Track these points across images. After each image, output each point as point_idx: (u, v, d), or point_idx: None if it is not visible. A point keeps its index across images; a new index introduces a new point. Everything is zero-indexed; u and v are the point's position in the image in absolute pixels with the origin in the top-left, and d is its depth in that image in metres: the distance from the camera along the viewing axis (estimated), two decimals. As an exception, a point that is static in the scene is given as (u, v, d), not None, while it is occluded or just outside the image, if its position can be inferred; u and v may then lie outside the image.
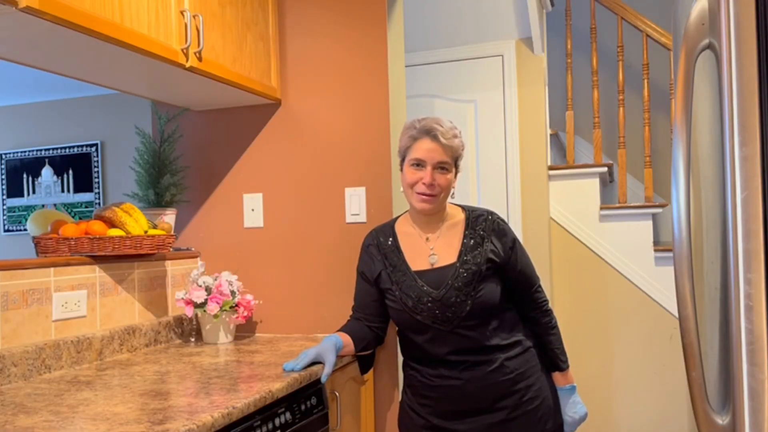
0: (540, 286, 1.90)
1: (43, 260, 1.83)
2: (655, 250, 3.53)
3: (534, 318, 1.88)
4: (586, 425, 2.05)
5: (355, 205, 2.28)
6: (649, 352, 3.50)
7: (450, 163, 1.79)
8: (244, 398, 1.44)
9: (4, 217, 5.41)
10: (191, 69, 1.90)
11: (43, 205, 5.30)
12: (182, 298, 2.15)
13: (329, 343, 1.77)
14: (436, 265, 1.82)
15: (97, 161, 5.20)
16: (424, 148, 1.77)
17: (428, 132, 1.77)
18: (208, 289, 2.16)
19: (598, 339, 3.60)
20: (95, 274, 1.97)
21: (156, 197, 2.29)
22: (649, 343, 3.50)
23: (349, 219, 2.29)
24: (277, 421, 1.55)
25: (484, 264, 1.78)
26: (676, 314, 1.77)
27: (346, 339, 1.83)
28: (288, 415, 1.60)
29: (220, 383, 1.60)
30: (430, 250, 1.84)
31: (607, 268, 3.60)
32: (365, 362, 2.02)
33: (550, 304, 1.92)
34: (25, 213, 5.33)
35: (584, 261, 3.63)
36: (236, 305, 2.19)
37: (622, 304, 3.57)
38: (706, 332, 1.19)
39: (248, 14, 2.20)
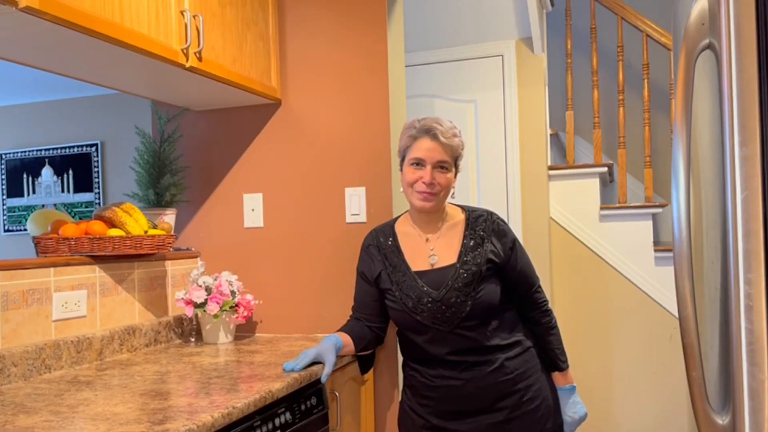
0: (540, 286, 1.90)
1: (43, 260, 1.83)
2: (655, 250, 3.53)
3: (534, 318, 1.88)
4: (586, 425, 2.06)
5: (355, 205, 2.28)
6: (649, 352, 3.50)
7: (450, 162, 1.79)
8: (244, 398, 1.44)
9: (4, 217, 5.42)
10: (191, 69, 1.90)
11: (43, 205, 5.30)
12: (182, 298, 2.15)
13: (329, 343, 1.77)
14: (436, 266, 1.82)
15: (97, 161, 5.20)
16: (423, 148, 1.77)
17: (428, 131, 1.77)
18: (208, 289, 2.16)
19: (598, 339, 3.60)
20: (95, 274, 1.97)
21: (156, 197, 2.29)
22: (649, 343, 3.50)
23: (349, 219, 2.29)
24: (277, 421, 1.55)
25: (484, 264, 1.78)
26: (676, 314, 1.77)
27: (346, 339, 1.83)
28: (288, 415, 1.60)
29: (220, 383, 1.60)
30: (430, 250, 1.84)
31: (607, 268, 3.60)
32: (365, 362, 2.02)
33: (550, 305, 1.92)
34: (25, 213, 5.33)
35: (584, 261, 3.63)
36: (236, 305, 2.19)
37: (622, 304, 3.56)
38: (706, 332, 1.19)
39: (248, 14, 2.20)
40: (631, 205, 3.62)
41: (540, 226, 3.59)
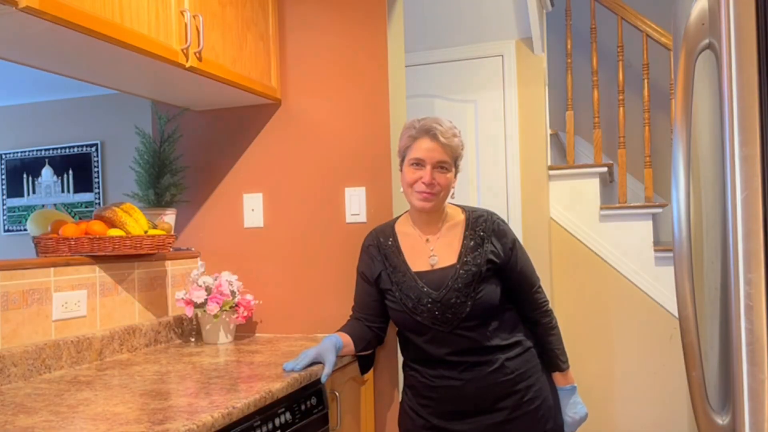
0: (540, 286, 1.90)
1: (43, 260, 1.83)
2: (655, 250, 3.53)
3: (534, 318, 1.88)
4: (586, 425, 2.05)
5: (355, 205, 2.28)
6: (649, 352, 3.50)
7: (449, 162, 1.79)
8: (244, 398, 1.44)
9: (4, 217, 5.41)
10: (191, 69, 1.90)
11: (43, 205, 5.29)
12: (182, 298, 2.15)
13: (329, 343, 1.77)
14: (436, 266, 1.82)
15: (97, 161, 5.20)
16: (423, 148, 1.77)
17: (428, 131, 1.77)
18: (208, 289, 2.16)
19: (598, 339, 3.60)
20: (95, 274, 1.97)
21: (156, 197, 2.29)
22: (649, 343, 3.50)
23: (349, 219, 2.29)
24: (277, 421, 1.55)
25: (484, 265, 1.78)
26: (676, 314, 1.77)
27: (346, 339, 1.83)
28: (288, 415, 1.60)
29: (220, 383, 1.60)
30: (431, 251, 1.84)
31: (607, 268, 3.60)
32: (365, 362, 2.02)
33: (550, 305, 1.92)
34: (25, 213, 5.33)
35: (584, 261, 3.63)
36: (236, 305, 2.19)
37: (622, 304, 3.56)
38: (706, 332, 1.19)
39: (248, 14, 2.20)
40: (631, 205, 3.62)
41: (540, 226, 3.59)
